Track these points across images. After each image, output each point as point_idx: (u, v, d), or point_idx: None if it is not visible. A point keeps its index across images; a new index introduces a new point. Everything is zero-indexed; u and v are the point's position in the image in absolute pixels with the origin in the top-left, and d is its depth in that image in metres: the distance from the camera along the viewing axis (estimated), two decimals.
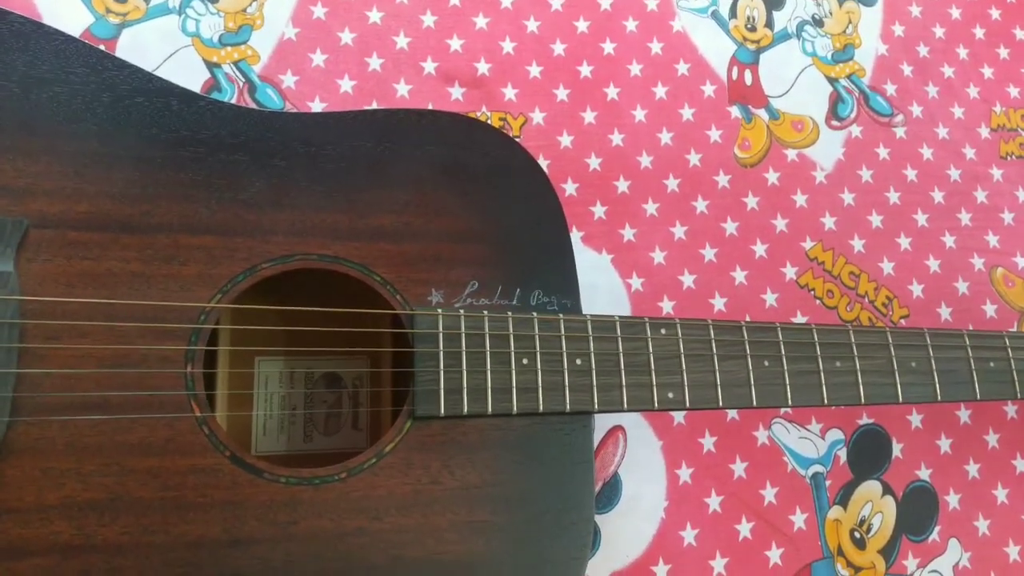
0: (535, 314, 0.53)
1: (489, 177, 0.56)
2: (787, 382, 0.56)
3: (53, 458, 0.44)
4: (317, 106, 0.67)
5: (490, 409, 0.51)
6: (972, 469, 0.73)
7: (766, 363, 0.56)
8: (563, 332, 0.53)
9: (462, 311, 0.52)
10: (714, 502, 0.66)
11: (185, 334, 0.47)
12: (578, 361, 0.53)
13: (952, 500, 0.72)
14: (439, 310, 0.52)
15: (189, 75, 0.66)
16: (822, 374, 0.57)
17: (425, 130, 0.56)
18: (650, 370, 0.54)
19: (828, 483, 0.69)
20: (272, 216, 0.51)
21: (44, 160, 0.48)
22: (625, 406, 0.53)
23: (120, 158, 0.49)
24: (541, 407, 0.51)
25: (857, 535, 0.69)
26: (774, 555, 0.67)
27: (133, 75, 0.51)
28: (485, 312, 0.52)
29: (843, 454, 0.70)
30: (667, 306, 0.70)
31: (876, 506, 0.70)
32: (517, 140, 0.65)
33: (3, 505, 0.42)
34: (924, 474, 0.72)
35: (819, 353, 0.58)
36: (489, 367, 0.51)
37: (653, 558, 0.64)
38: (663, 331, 0.55)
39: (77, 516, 0.43)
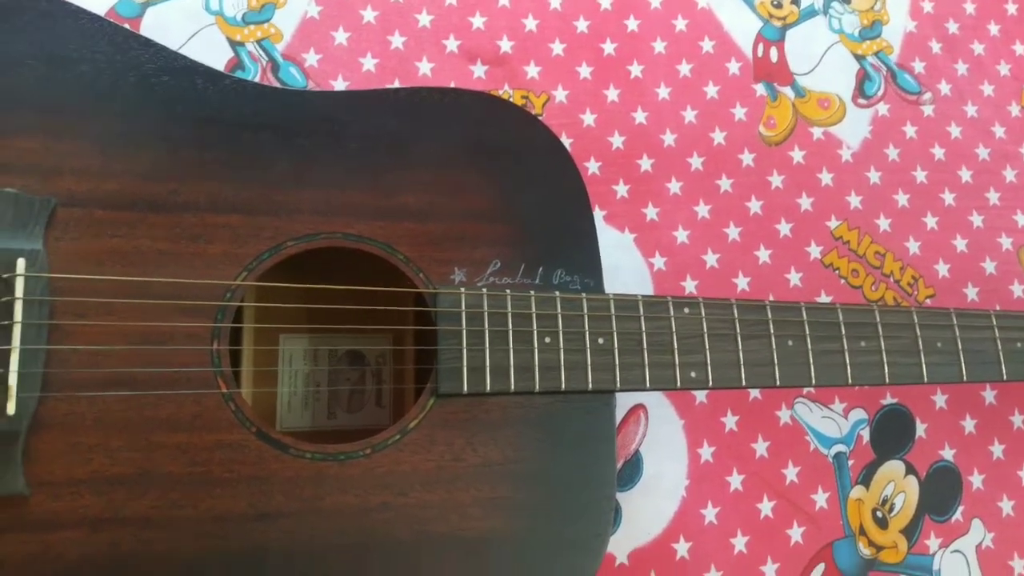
0: (558, 293, 0.53)
1: (512, 156, 0.56)
2: (811, 361, 0.56)
3: (82, 433, 0.44)
4: (340, 84, 0.67)
5: (513, 387, 0.51)
6: (997, 450, 0.73)
7: (790, 342, 0.56)
8: (586, 311, 0.53)
9: (485, 290, 0.52)
10: (736, 481, 0.66)
11: (211, 311, 0.48)
12: (600, 340, 0.53)
13: (976, 480, 0.72)
14: (462, 289, 0.52)
15: (212, 54, 0.66)
16: (847, 353, 0.57)
17: (448, 108, 0.56)
18: (673, 349, 0.54)
19: (851, 463, 0.69)
20: (296, 195, 0.51)
21: (71, 139, 0.48)
22: (647, 385, 0.53)
23: (146, 137, 0.49)
24: (563, 386, 0.52)
25: (879, 514, 0.69)
26: (795, 534, 0.67)
27: (158, 54, 0.51)
28: (508, 291, 0.52)
29: (866, 434, 0.70)
30: (690, 285, 0.69)
31: (899, 486, 0.70)
32: (540, 118, 0.64)
33: (34, 479, 0.43)
34: (948, 454, 0.72)
35: (844, 332, 0.57)
36: (512, 345, 0.51)
37: (674, 536, 0.64)
38: (686, 310, 0.55)
39: (106, 490, 0.44)
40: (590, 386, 0.52)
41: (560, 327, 0.52)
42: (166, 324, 0.47)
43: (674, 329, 0.54)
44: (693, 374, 0.54)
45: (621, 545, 0.63)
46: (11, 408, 0.43)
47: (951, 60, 0.81)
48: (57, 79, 0.49)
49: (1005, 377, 0.61)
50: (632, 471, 0.65)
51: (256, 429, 0.47)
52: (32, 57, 0.49)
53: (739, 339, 0.55)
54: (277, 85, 0.66)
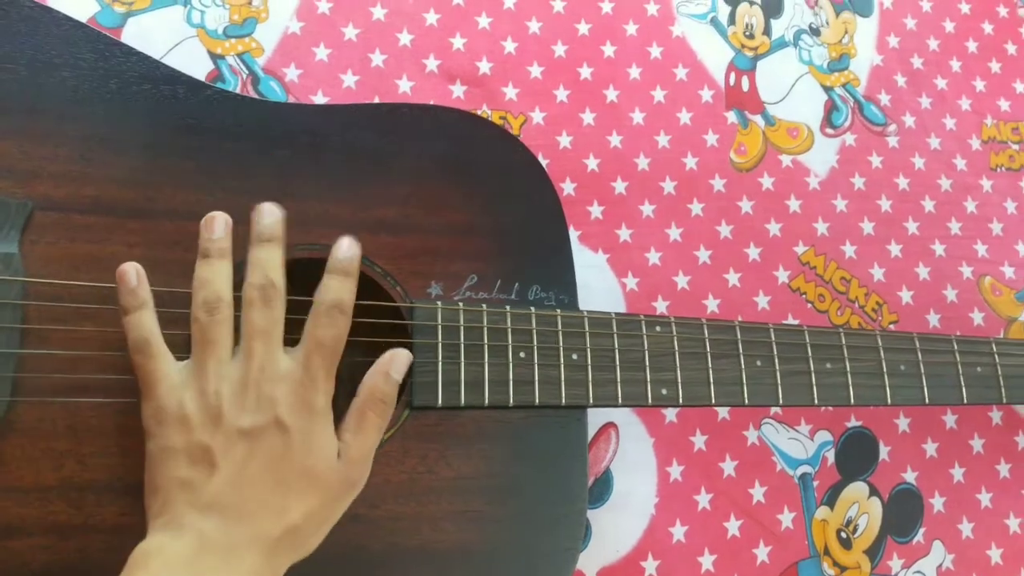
0: (533, 309, 0.54)
1: (490, 172, 0.57)
2: (778, 382, 0.57)
3: (53, 439, 0.44)
4: (320, 100, 0.68)
5: (487, 401, 0.51)
6: (957, 473, 0.75)
7: (758, 363, 0.57)
8: (560, 327, 0.54)
9: (461, 304, 0.53)
10: (704, 500, 0.67)
11: (186, 320, 0.48)
12: (574, 356, 0.54)
13: (937, 503, 0.73)
14: (438, 303, 0.53)
15: (193, 66, 0.66)
16: (813, 375, 0.58)
17: (427, 124, 0.57)
18: (644, 366, 0.55)
19: (816, 483, 0.70)
20: None
21: (51, 144, 0.48)
22: (620, 401, 0.54)
23: (126, 144, 0.50)
24: (537, 400, 0.52)
25: (843, 535, 0.70)
26: (762, 553, 0.67)
27: (140, 62, 0.52)
28: (484, 306, 0.53)
29: (831, 455, 0.72)
30: (661, 306, 0.70)
31: (862, 507, 0.71)
32: (517, 137, 0.65)
33: (2, 484, 0.43)
34: (910, 477, 0.73)
35: (810, 354, 0.59)
36: (487, 360, 0.52)
37: (643, 553, 0.65)
38: (658, 328, 0.56)
39: (75, 497, 0.44)
40: (563, 401, 0.53)
41: (535, 342, 0.53)
42: None
43: (646, 347, 0.55)
44: (664, 391, 0.55)
45: (590, 562, 0.63)
46: None
47: (915, 94, 0.84)
48: (38, 83, 0.49)
49: (965, 400, 0.63)
50: (602, 489, 0.65)
51: None
52: (13, 61, 0.49)
53: (709, 358, 0.56)
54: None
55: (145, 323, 0.44)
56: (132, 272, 0.45)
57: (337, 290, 0.46)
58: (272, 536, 0.41)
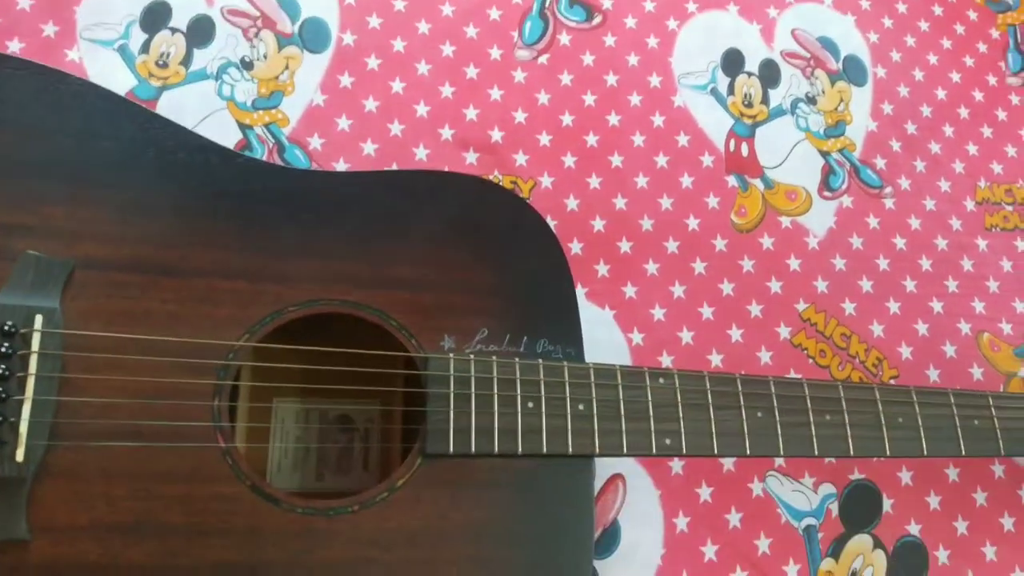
0: (541, 361, 0.56)
1: (500, 233, 0.60)
2: (779, 432, 0.59)
3: (86, 482, 0.47)
4: (341, 167, 0.72)
5: (496, 449, 0.53)
6: (961, 526, 0.75)
7: (759, 414, 0.59)
8: (567, 379, 0.56)
9: (472, 356, 0.55)
10: (710, 551, 0.68)
11: (214, 370, 0.51)
12: (580, 407, 0.56)
13: (942, 556, 0.74)
14: (451, 355, 0.55)
15: (223, 136, 0.71)
16: (813, 426, 0.60)
17: (442, 189, 0.60)
18: (649, 417, 0.57)
19: (820, 535, 0.71)
20: (299, 264, 0.55)
21: (93, 207, 0.52)
22: (625, 450, 0.56)
23: (162, 208, 0.53)
24: (545, 449, 0.54)
25: None
26: None
27: (176, 133, 0.56)
28: (494, 358, 0.56)
29: (835, 508, 0.73)
30: (667, 360, 0.73)
31: (867, 559, 0.72)
32: (527, 200, 0.69)
33: (37, 524, 0.45)
34: (914, 529, 0.74)
35: (810, 406, 0.60)
36: (496, 409, 0.54)
37: None
38: (661, 380, 0.58)
39: (105, 537, 0.46)
40: (570, 450, 0.55)
41: (543, 393, 0.56)
42: (171, 380, 0.49)
43: (650, 398, 0.57)
44: (668, 441, 0.57)
45: None
46: (20, 455, 0.45)
47: (910, 158, 0.87)
48: (84, 152, 0.53)
49: (964, 453, 0.64)
50: (610, 540, 0.67)
51: (251, 483, 0.49)
52: (62, 132, 0.53)
53: (711, 409, 0.58)
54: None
55: None
56: None
57: None
58: None
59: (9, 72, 0.53)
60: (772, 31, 0.89)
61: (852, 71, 0.90)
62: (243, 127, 0.72)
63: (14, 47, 0.69)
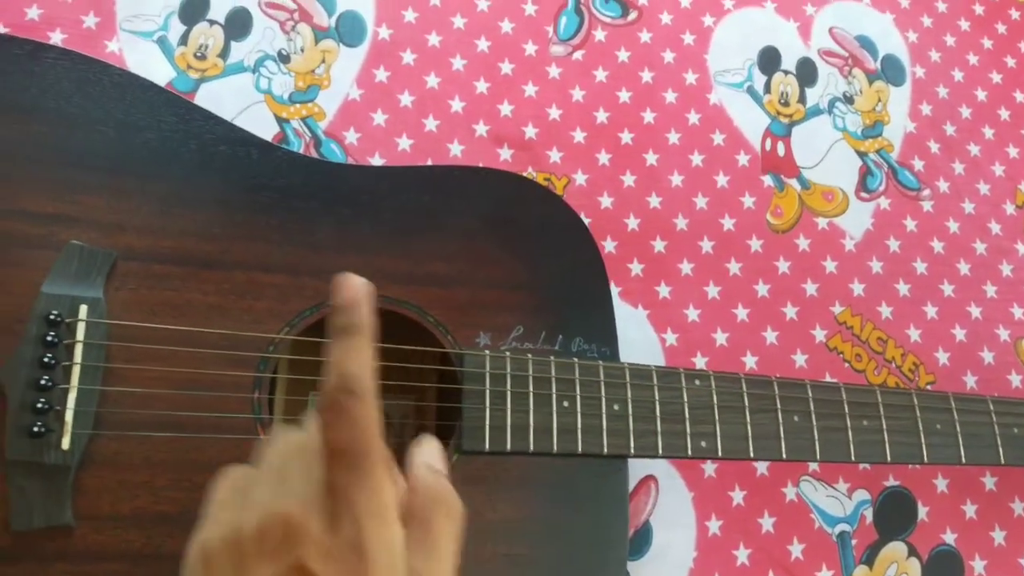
0: (576, 359, 0.56)
1: (536, 230, 0.60)
2: (816, 437, 0.59)
3: (129, 471, 0.47)
4: (376, 162, 0.72)
5: (532, 447, 0.53)
6: (998, 536, 0.74)
7: (796, 418, 0.59)
8: (602, 378, 0.56)
9: (508, 353, 0.55)
10: (742, 555, 0.68)
11: (254, 362, 0.51)
12: (616, 407, 0.56)
13: (978, 565, 0.73)
14: (486, 352, 0.55)
15: (260, 129, 0.71)
16: (849, 431, 0.60)
17: (478, 185, 0.60)
18: (684, 419, 0.57)
19: (854, 542, 0.71)
20: (337, 259, 0.55)
21: (135, 199, 0.52)
22: (660, 452, 0.56)
23: (203, 200, 0.54)
24: (580, 448, 0.54)
25: None
26: None
27: (217, 125, 0.56)
28: (529, 355, 0.56)
29: (869, 514, 0.72)
30: (700, 362, 0.72)
31: (901, 567, 0.71)
32: (562, 197, 0.69)
33: (81, 511, 0.46)
34: (949, 538, 0.73)
35: (847, 411, 0.60)
36: (532, 407, 0.54)
37: None
38: (697, 382, 0.58)
39: (148, 527, 0.47)
40: (605, 450, 0.55)
41: (578, 392, 0.55)
42: (212, 372, 0.50)
43: (686, 399, 0.57)
44: (703, 443, 0.57)
45: None
46: (66, 443, 0.45)
47: (949, 160, 0.86)
48: (125, 143, 0.53)
49: (1003, 461, 0.63)
50: (641, 541, 0.67)
51: None
52: (104, 123, 0.53)
53: (747, 412, 0.58)
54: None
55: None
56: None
57: (341, 362, 0.32)
58: None
59: (51, 62, 0.53)
60: (809, 29, 0.87)
61: (890, 71, 0.89)
62: (280, 121, 0.72)
63: (56, 38, 0.69)
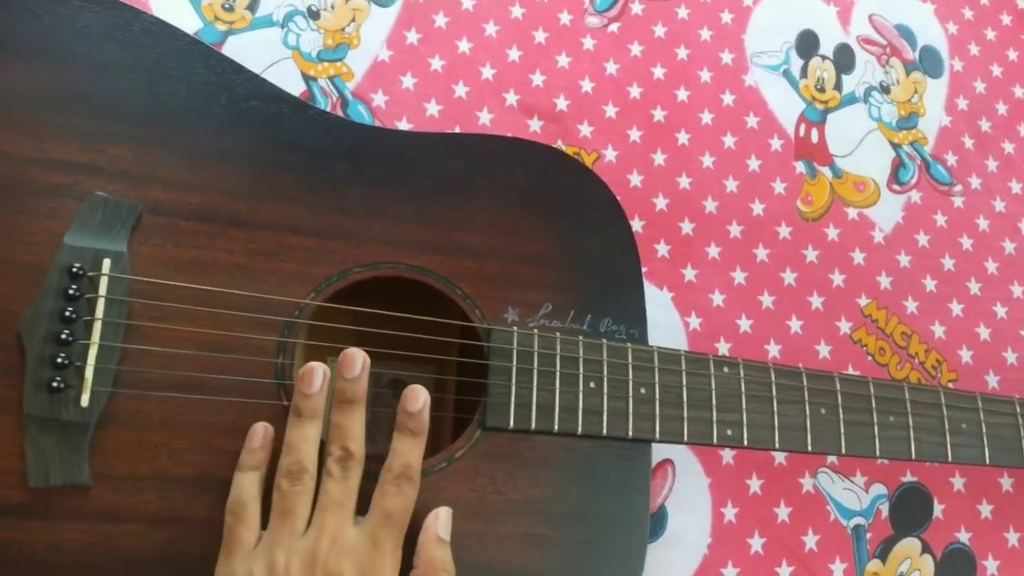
0: (604, 341, 0.55)
1: (568, 205, 0.59)
2: (841, 431, 0.58)
3: (148, 432, 0.46)
4: (404, 126, 0.71)
5: (556, 427, 0.52)
6: (1012, 537, 0.74)
7: (823, 411, 0.58)
8: (631, 360, 0.55)
9: (536, 331, 0.54)
10: (756, 543, 0.67)
11: (279, 327, 0.50)
12: (643, 390, 0.55)
13: (991, 566, 0.73)
14: (514, 328, 0.54)
15: (287, 86, 0.68)
16: (876, 426, 0.59)
17: (512, 156, 0.59)
18: (711, 406, 0.56)
19: (869, 536, 0.70)
20: (366, 224, 0.53)
21: (162, 151, 0.51)
22: (685, 438, 0.55)
23: (232, 156, 0.52)
24: (605, 431, 0.53)
25: None
26: None
27: (249, 80, 0.54)
28: (557, 334, 0.54)
29: (885, 509, 0.71)
30: (723, 347, 0.71)
31: (915, 563, 0.71)
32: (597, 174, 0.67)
33: (99, 471, 0.45)
34: (964, 537, 0.73)
35: (874, 406, 0.59)
36: (558, 387, 0.53)
37: None
38: (726, 369, 0.57)
39: (166, 489, 0.45)
40: (630, 433, 0.54)
41: (605, 374, 0.54)
42: (237, 334, 0.49)
43: (713, 387, 0.56)
44: (729, 432, 0.56)
45: None
46: (85, 400, 0.44)
47: (982, 156, 0.85)
48: (155, 93, 0.52)
49: None
50: (656, 524, 0.66)
51: None
52: (133, 71, 0.51)
53: (775, 402, 0.57)
54: None
55: (250, 486, 0.45)
56: (260, 434, 0.46)
57: (405, 453, 0.46)
58: None
59: (80, 4, 0.51)
60: (849, 14, 0.85)
61: (928, 62, 0.87)
62: (307, 79, 0.70)
63: None
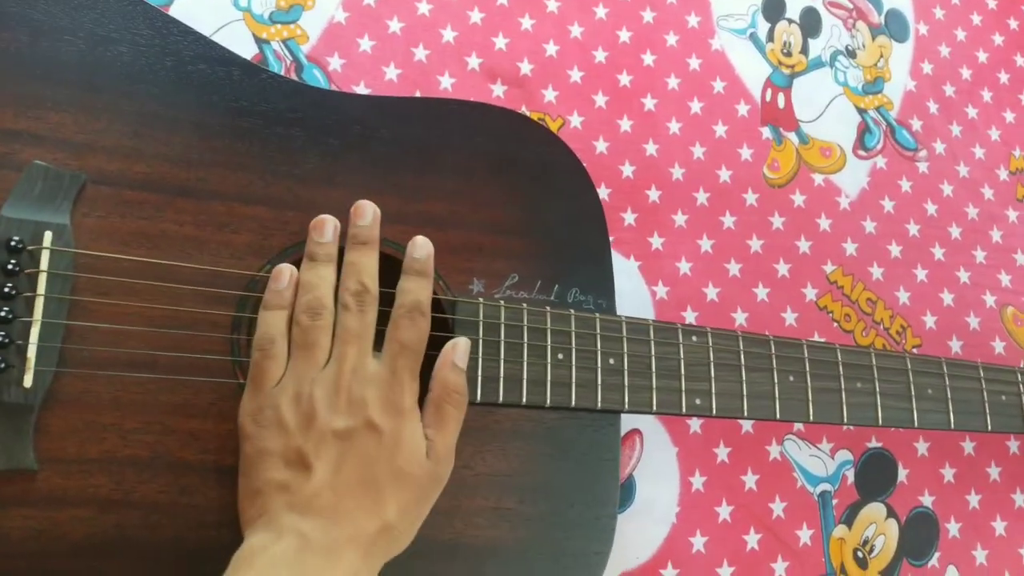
0: (572, 311, 0.54)
1: (535, 173, 0.57)
2: (810, 398, 0.58)
3: (97, 412, 0.44)
4: (361, 91, 0.68)
5: (524, 400, 0.51)
6: (973, 500, 0.75)
7: (791, 378, 0.58)
8: (598, 331, 0.54)
9: (502, 302, 0.53)
10: (724, 511, 0.67)
11: (234, 301, 0.48)
12: (611, 360, 0.54)
13: (952, 528, 0.74)
14: (480, 299, 0.53)
15: (238, 49, 0.64)
16: (843, 393, 0.59)
17: (476, 122, 0.57)
18: (680, 375, 0.55)
19: (835, 502, 0.71)
20: (324, 193, 0.51)
21: (105, 118, 0.48)
22: (654, 408, 0.54)
23: (180, 122, 0.50)
24: (573, 402, 0.52)
25: (860, 555, 0.70)
26: (779, 568, 0.68)
27: (197, 41, 0.52)
28: (524, 305, 0.53)
29: (851, 475, 0.72)
30: (690, 316, 0.71)
31: (879, 528, 0.71)
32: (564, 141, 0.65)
33: (46, 454, 0.43)
34: (927, 501, 0.74)
35: (842, 373, 0.59)
36: (526, 359, 0.52)
37: (662, 562, 0.65)
38: (694, 338, 0.56)
39: (116, 471, 0.44)
40: (599, 405, 0.53)
41: (573, 344, 0.53)
42: (189, 309, 0.46)
43: (682, 356, 0.55)
44: (698, 401, 0.55)
45: (610, 568, 0.62)
46: (28, 380, 0.42)
47: (947, 121, 0.85)
48: (96, 57, 0.49)
49: (990, 428, 0.63)
50: (625, 495, 0.65)
51: None
52: (73, 33, 0.49)
53: (743, 370, 0.56)
54: None
55: (279, 323, 0.46)
56: (287, 274, 0.47)
57: (415, 291, 0.48)
58: (369, 535, 0.42)
59: None
60: None
61: (894, 26, 0.86)
62: (259, 41, 0.67)
63: None
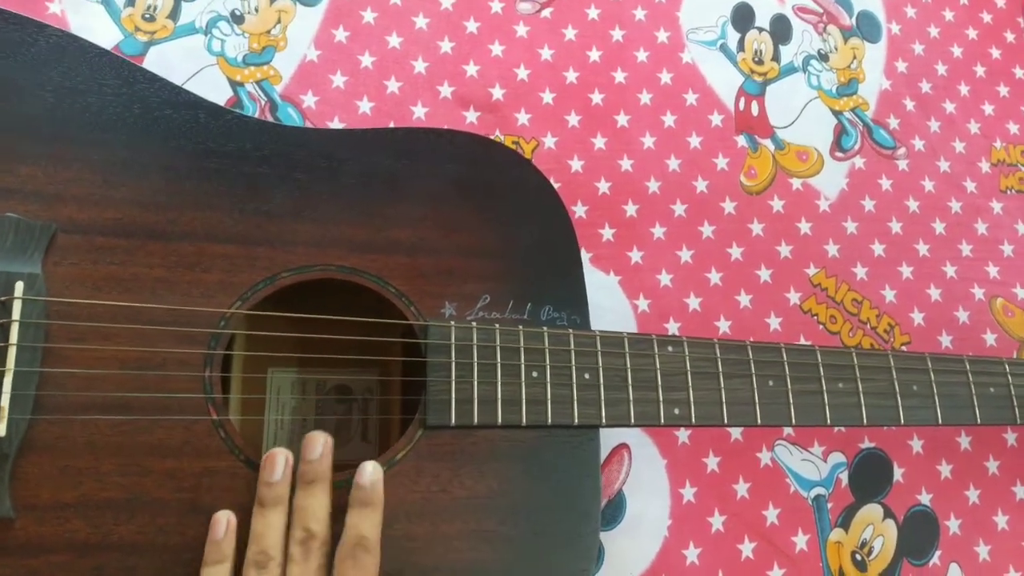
0: (545, 328, 0.54)
1: (503, 195, 0.58)
2: (791, 401, 0.57)
3: (72, 457, 0.45)
4: (336, 126, 0.69)
5: (500, 420, 0.52)
6: (972, 495, 0.74)
7: (770, 382, 0.57)
8: (572, 347, 0.54)
9: (474, 324, 0.53)
10: (717, 521, 0.67)
11: (205, 339, 0.48)
12: (586, 375, 0.54)
13: (953, 525, 0.73)
14: (452, 322, 0.53)
15: (213, 93, 0.68)
16: (825, 394, 0.58)
17: (442, 148, 0.58)
18: (657, 386, 0.55)
19: (830, 505, 0.70)
20: (293, 227, 0.52)
21: (75, 167, 0.49)
22: (632, 420, 0.54)
23: (148, 168, 0.51)
24: (550, 420, 0.52)
25: (858, 557, 0.70)
26: (776, 575, 0.67)
27: (163, 88, 0.53)
28: (497, 325, 0.54)
29: (845, 477, 0.71)
30: (673, 327, 0.71)
31: (877, 529, 0.71)
32: (531, 161, 0.66)
33: (21, 502, 0.43)
34: (925, 499, 0.73)
35: (822, 374, 0.59)
36: (500, 379, 0.52)
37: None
38: (670, 348, 0.56)
39: (94, 515, 0.44)
40: (576, 420, 0.53)
41: (547, 361, 0.53)
42: (160, 350, 0.47)
43: (658, 366, 0.55)
44: (677, 411, 0.55)
45: None
46: (2, 429, 0.43)
47: (924, 118, 0.85)
48: (64, 109, 0.50)
49: (979, 421, 0.62)
50: (615, 511, 0.65)
51: (245, 457, 0.47)
52: (41, 87, 0.50)
53: (721, 378, 0.56)
54: None
55: None
56: (223, 524, 0.46)
57: (358, 526, 0.47)
58: None
59: None
60: None
61: (866, 27, 0.87)
62: (234, 84, 0.69)
63: None
